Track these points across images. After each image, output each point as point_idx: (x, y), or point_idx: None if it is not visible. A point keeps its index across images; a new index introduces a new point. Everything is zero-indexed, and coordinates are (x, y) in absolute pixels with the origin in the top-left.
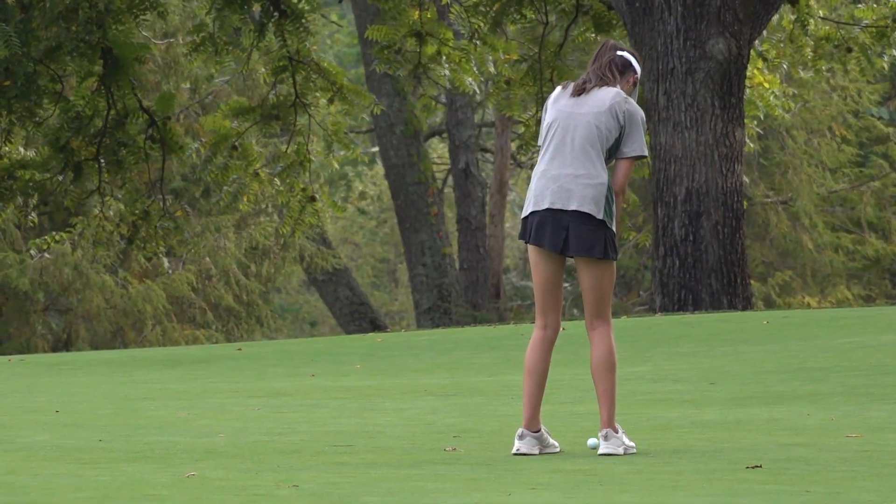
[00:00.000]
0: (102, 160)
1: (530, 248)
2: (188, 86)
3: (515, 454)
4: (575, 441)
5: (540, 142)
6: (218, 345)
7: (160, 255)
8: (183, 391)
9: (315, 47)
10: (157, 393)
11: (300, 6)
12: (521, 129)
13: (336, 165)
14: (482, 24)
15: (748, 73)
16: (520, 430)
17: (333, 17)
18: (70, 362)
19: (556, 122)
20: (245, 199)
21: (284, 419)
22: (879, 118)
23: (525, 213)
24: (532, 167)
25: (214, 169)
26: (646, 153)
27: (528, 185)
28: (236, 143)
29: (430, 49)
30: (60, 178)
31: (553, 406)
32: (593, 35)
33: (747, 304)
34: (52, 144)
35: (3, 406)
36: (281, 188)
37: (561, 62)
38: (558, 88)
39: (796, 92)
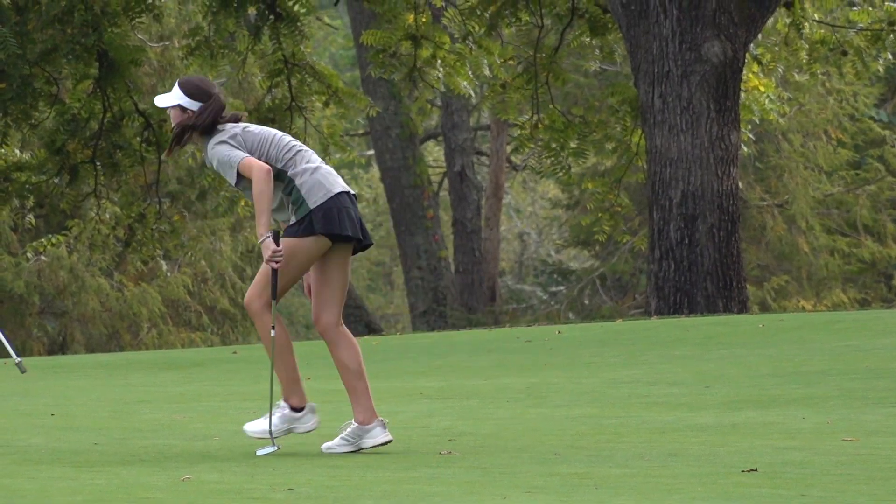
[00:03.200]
0: (98, 163)
1: (322, 240)
2: None
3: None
4: (570, 444)
5: (285, 153)
6: (213, 348)
7: (157, 258)
8: (178, 394)
9: (310, 50)
10: (153, 396)
11: (295, 9)
12: (517, 132)
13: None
14: (477, 28)
15: (743, 77)
16: (383, 419)
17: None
18: (66, 365)
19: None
20: (242, 204)
21: None
22: (878, 120)
23: (320, 201)
24: (526, 169)
25: (210, 172)
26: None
27: (304, 180)
28: None
29: (426, 52)
30: (56, 180)
31: (549, 409)
32: (588, 38)
33: (743, 308)
34: (47, 147)
35: None
36: None
37: (556, 65)
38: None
39: (791, 96)
